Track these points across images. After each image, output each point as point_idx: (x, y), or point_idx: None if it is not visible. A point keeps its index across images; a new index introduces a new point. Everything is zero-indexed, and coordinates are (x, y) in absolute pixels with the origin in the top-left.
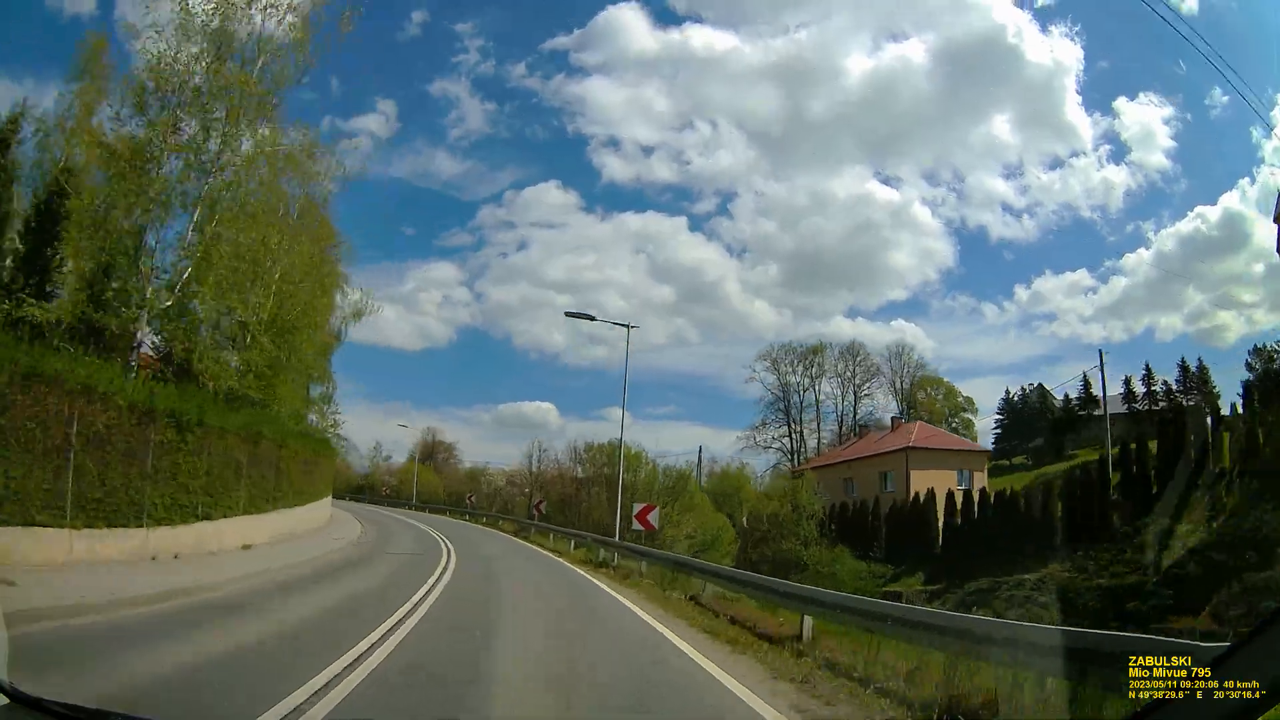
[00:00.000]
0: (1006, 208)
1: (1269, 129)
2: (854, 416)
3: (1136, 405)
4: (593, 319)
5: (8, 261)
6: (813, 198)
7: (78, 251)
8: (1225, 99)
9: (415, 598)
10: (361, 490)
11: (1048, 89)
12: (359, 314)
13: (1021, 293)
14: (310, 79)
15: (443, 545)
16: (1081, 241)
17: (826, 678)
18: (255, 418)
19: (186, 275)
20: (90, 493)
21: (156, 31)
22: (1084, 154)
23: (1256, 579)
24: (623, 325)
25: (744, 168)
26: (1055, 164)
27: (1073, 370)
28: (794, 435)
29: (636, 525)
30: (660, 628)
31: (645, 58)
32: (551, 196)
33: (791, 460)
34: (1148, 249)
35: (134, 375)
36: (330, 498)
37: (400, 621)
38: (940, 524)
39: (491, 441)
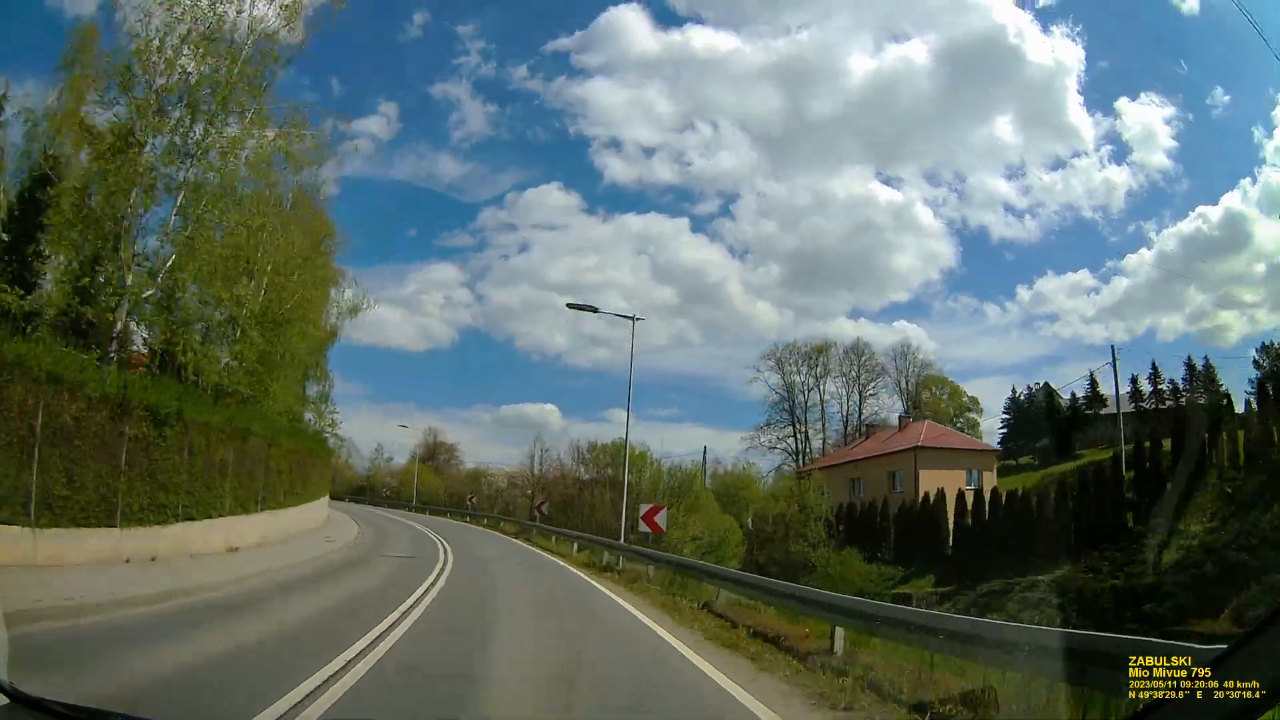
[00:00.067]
0: (1008, 208)
1: (1270, 128)
2: (859, 417)
3: (1144, 404)
4: (595, 311)
5: None
6: (814, 198)
7: (59, 238)
8: (1226, 99)
9: (405, 605)
10: (362, 491)
11: (1049, 89)
12: (355, 310)
13: (1023, 293)
14: (311, 80)
15: (440, 548)
16: (1083, 242)
17: (873, 703)
18: (242, 413)
19: (170, 263)
20: (57, 490)
21: (145, 12)
22: (1085, 154)
23: (1277, 580)
24: (626, 317)
25: (746, 169)
26: (1057, 164)
27: (1074, 371)
28: (798, 436)
29: (643, 527)
30: (674, 641)
31: (646, 59)
32: (553, 198)
33: (796, 461)
34: (1149, 249)
35: (110, 366)
36: (327, 499)
37: (375, 642)
38: (950, 525)
39: (493, 443)
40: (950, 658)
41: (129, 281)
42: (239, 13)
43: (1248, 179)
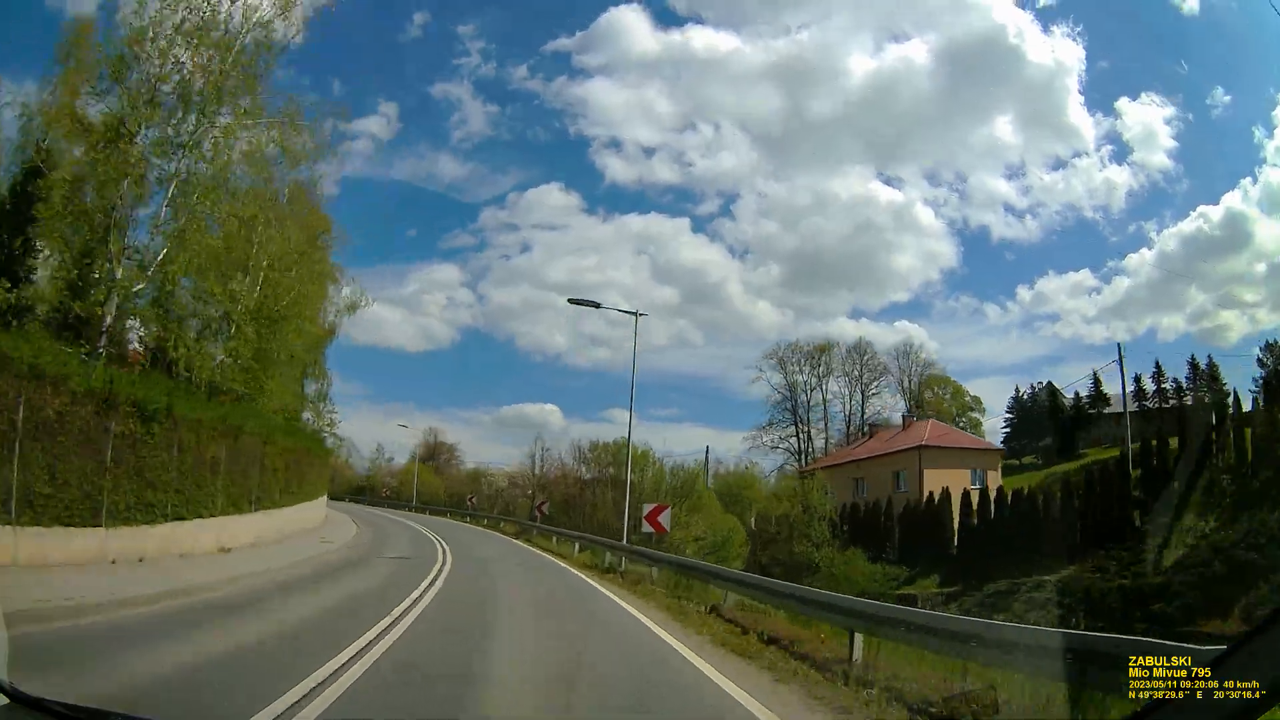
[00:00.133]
0: (1009, 208)
1: (1270, 128)
2: (861, 416)
3: (1147, 403)
4: (598, 305)
5: None
6: (815, 198)
7: (49, 231)
8: (1227, 98)
9: (399, 610)
10: (362, 491)
11: (1049, 89)
12: (354, 307)
13: (1024, 293)
14: (311, 80)
15: (439, 549)
16: (1084, 242)
17: (902, 718)
18: (235, 411)
19: (161, 257)
20: (39, 487)
21: (141, 1)
22: (1086, 154)
23: None
24: (629, 313)
25: (746, 169)
26: (1057, 164)
27: (1075, 371)
28: (801, 435)
29: (646, 527)
30: (683, 649)
31: (647, 59)
32: (554, 198)
33: (799, 460)
34: (1150, 249)
35: (98, 361)
36: (325, 498)
37: (366, 647)
38: (956, 524)
39: (494, 443)
40: (986, 668)
41: (119, 275)
42: (233, 1)
43: (1248, 178)
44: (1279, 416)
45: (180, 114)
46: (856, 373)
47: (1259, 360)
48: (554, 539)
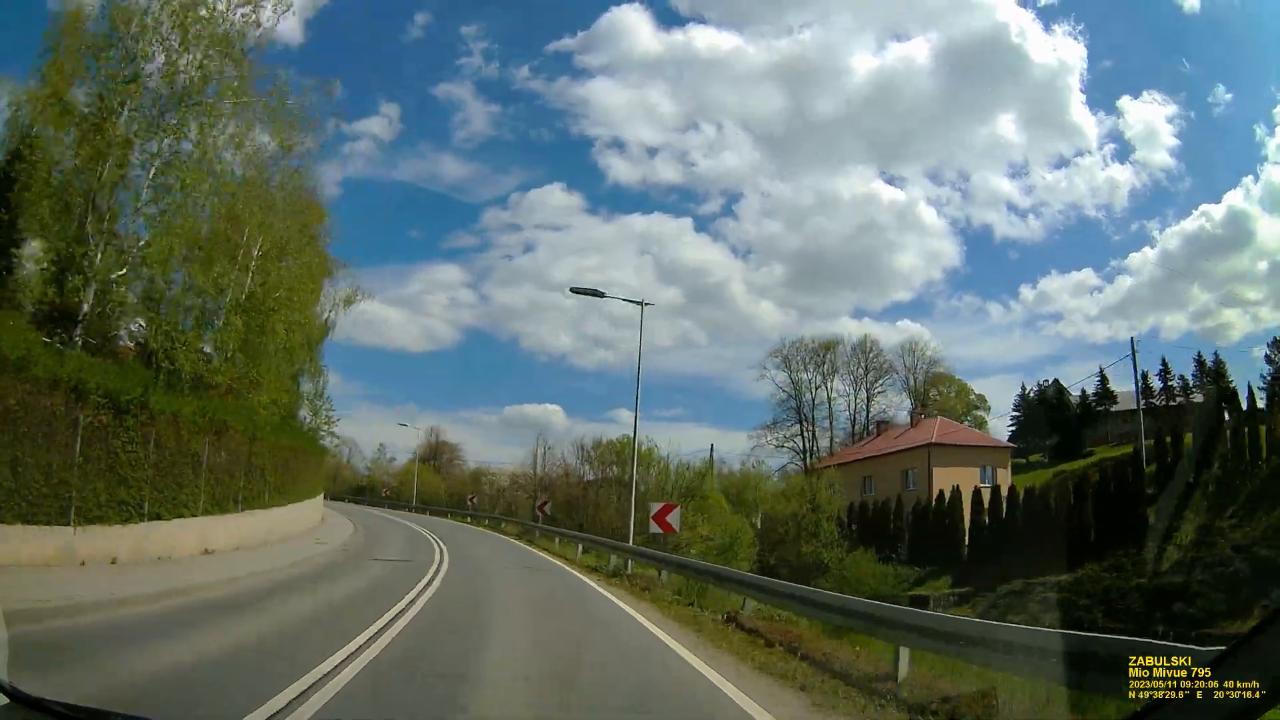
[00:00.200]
0: (1011, 207)
1: (1272, 126)
2: (866, 415)
3: (1154, 400)
4: (601, 295)
5: None
6: (818, 198)
7: (29, 216)
8: (1228, 96)
9: (384, 620)
10: (362, 492)
11: (1052, 88)
12: (350, 301)
13: (1027, 292)
14: (313, 81)
15: (436, 551)
16: (1087, 241)
17: None
18: (218, 405)
19: (143, 242)
20: None
21: None
22: (1088, 153)
23: None
24: (635, 302)
25: (749, 168)
26: (1060, 163)
27: (1078, 370)
28: (806, 435)
29: (654, 528)
30: (702, 666)
31: (649, 59)
32: (556, 198)
33: (804, 459)
34: (1152, 247)
35: (72, 350)
36: (321, 499)
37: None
38: (967, 523)
39: (497, 444)
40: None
41: (98, 261)
42: None
43: (1250, 177)
44: None
45: (165, 94)
46: (861, 371)
47: (1267, 357)
48: (556, 540)
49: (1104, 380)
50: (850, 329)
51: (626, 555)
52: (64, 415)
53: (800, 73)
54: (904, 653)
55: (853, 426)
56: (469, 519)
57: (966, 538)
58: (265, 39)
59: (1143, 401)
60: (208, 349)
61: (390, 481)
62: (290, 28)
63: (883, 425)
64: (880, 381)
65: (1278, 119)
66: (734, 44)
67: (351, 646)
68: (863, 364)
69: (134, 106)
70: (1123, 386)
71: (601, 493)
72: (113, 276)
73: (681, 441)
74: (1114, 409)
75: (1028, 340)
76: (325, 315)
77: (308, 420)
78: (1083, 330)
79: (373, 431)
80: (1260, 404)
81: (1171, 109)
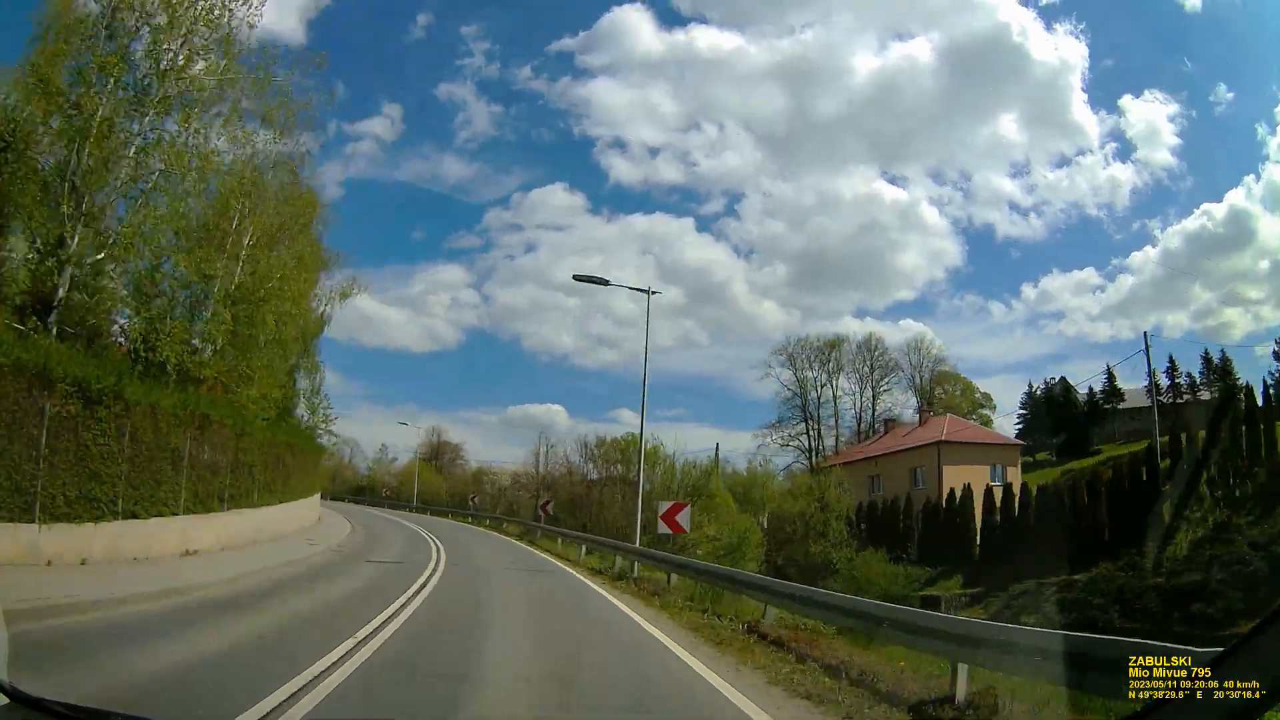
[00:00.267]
0: (1013, 206)
1: (1273, 125)
2: (872, 414)
3: (1161, 398)
4: (605, 283)
5: None
6: (820, 198)
7: (9, 202)
8: (1230, 95)
9: (368, 630)
10: (362, 491)
11: (1053, 87)
12: (345, 294)
13: (1029, 291)
14: (313, 82)
15: (433, 552)
16: (1088, 240)
17: None
18: (200, 398)
19: (121, 226)
20: None
21: None
22: (1090, 152)
23: None
24: (641, 290)
25: (751, 168)
26: (1062, 162)
27: (1080, 368)
28: (811, 433)
29: (663, 528)
30: (725, 686)
31: (651, 59)
32: (558, 198)
33: (809, 458)
34: (1154, 246)
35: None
36: (317, 498)
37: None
38: (978, 522)
39: (500, 444)
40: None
41: (74, 244)
42: None
43: (1251, 175)
44: None
45: (149, 69)
46: (867, 369)
47: (1275, 354)
48: (559, 541)
49: (1111, 377)
50: (853, 328)
51: (632, 557)
52: (29, 404)
53: (802, 73)
54: (962, 669)
55: (858, 425)
56: (470, 519)
57: (978, 537)
58: (254, 13)
59: (1150, 400)
60: (196, 342)
61: (390, 481)
62: (291, 28)
63: (890, 423)
64: (886, 380)
65: (1279, 118)
66: (735, 44)
67: (291, 686)
68: (868, 362)
69: (118, 82)
70: (1128, 384)
71: (606, 491)
72: (88, 261)
73: (684, 441)
74: (1121, 406)
75: (1030, 339)
76: (321, 309)
77: (305, 418)
78: (1084, 329)
79: (374, 432)
80: (1273, 401)
81: (1173, 108)
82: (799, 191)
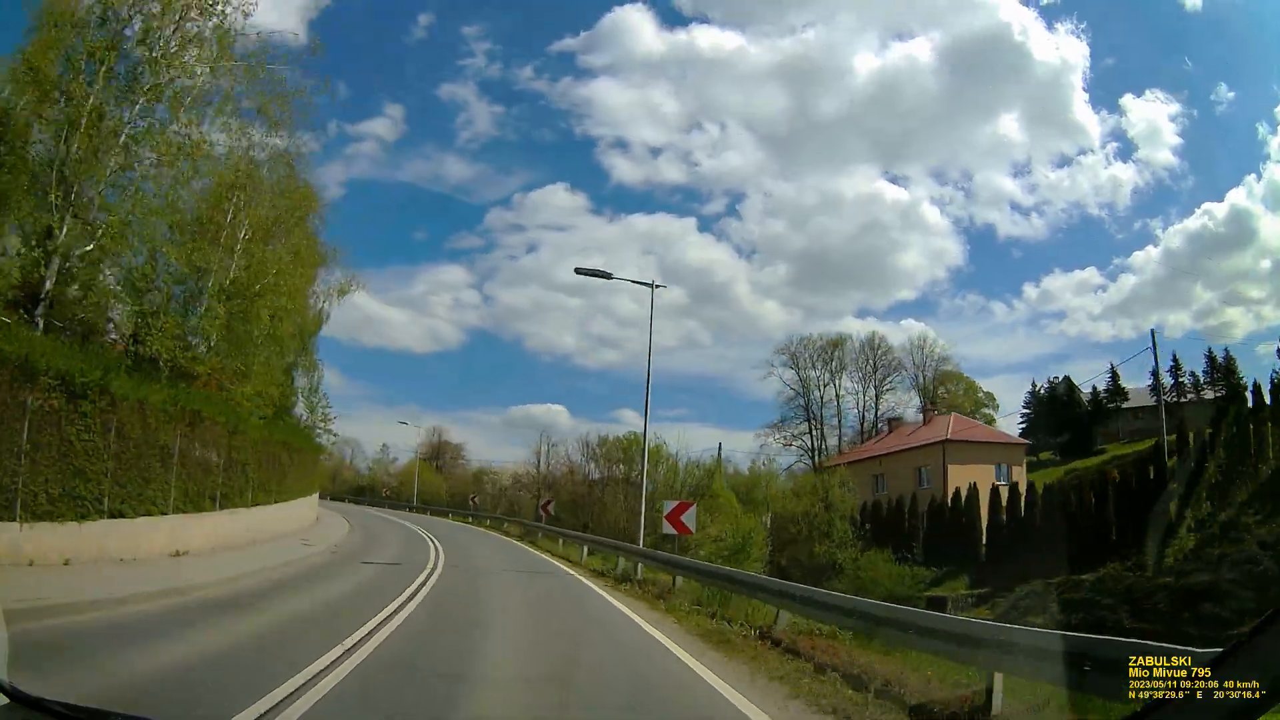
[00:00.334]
0: (1015, 206)
1: (1274, 124)
2: (875, 413)
3: (1166, 397)
4: (609, 276)
5: None
6: (821, 198)
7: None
8: (1231, 95)
9: (366, 630)
10: (362, 491)
11: (1055, 87)
12: (344, 291)
13: (1030, 291)
14: (315, 82)
15: (432, 552)
16: (1090, 239)
17: None
18: (191, 394)
19: (110, 215)
20: None
21: None
22: (1091, 151)
23: None
24: (644, 284)
25: (752, 168)
26: (1063, 162)
27: (1082, 368)
28: (814, 433)
29: (668, 528)
30: (737, 697)
31: (652, 59)
32: (560, 199)
33: (812, 458)
34: (1155, 246)
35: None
36: (315, 498)
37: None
38: (985, 522)
39: (502, 444)
40: None
41: (62, 235)
42: None
43: (1253, 175)
44: None
45: (140, 57)
46: (870, 368)
47: (1279, 351)
48: (560, 541)
49: (1115, 377)
50: (855, 328)
51: (636, 558)
52: (10, 398)
53: (803, 72)
54: (998, 679)
55: (861, 424)
56: (470, 519)
57: (984, 537)
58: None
59: (1153, 398)
60: (190, 338)
61: (390, 481)
62: (292, 28)
63: (894, 422)
64: (889, 379)
65: (1279, 117)
66: (737, 44)
67: (289, 685)
68: (871, 361)
69: (109, 70)
70: (1131, 384)
71: (608, 491)
72: (76, 252)
73: (687, 441)
74: (1125, 406)
75: (1031, 339)
76: (320, 306)
77: (303, 417)
78: (1086, 329)
79: (375, 432)
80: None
81: (1174, 107)
82: (800, 191)
